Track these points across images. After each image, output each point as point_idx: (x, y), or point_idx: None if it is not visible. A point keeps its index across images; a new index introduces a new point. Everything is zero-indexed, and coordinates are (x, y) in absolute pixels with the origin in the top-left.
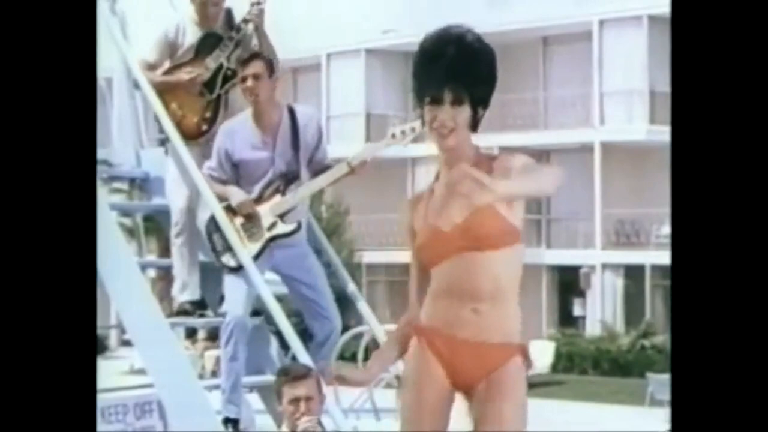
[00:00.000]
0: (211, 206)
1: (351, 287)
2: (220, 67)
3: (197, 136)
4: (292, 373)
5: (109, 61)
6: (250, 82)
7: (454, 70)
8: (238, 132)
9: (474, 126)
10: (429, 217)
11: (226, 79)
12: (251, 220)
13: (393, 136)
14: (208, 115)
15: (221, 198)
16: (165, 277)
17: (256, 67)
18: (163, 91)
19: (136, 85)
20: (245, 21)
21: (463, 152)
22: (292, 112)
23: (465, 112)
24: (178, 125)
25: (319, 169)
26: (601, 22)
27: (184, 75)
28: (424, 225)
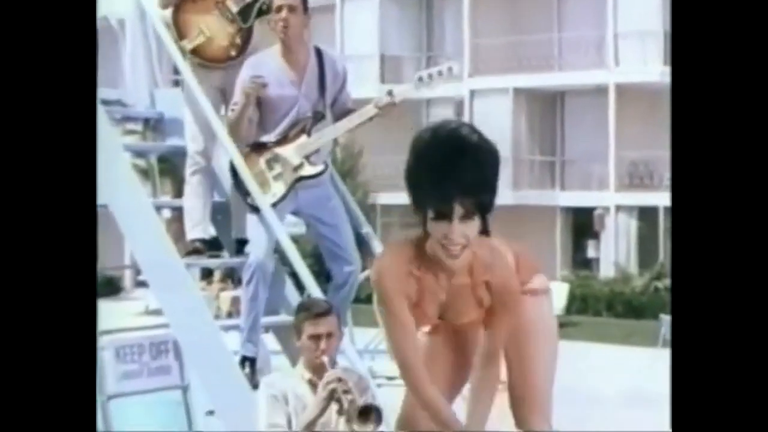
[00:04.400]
0: (228, 150)
1: (366, 229)
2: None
3: (224, 61)
4: (314, 310)
5: (122, 2)
6: (284, 13)
7: (463, 182)
8: (265, 66)
9: (482, 233)
10: (421, 305)
11: (260, 13)
12: (277, 161)
13: (420, 79)
14: (238, 41)
15: (238, 127)
16: (180, 218)
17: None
18: (191, 10)
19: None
20: None
21: (465, 262)
22: (319, 53)
23: (475, 225)
24: (203, 47)
25: (340, 112)
26: None
27: None
28: (417, 311)
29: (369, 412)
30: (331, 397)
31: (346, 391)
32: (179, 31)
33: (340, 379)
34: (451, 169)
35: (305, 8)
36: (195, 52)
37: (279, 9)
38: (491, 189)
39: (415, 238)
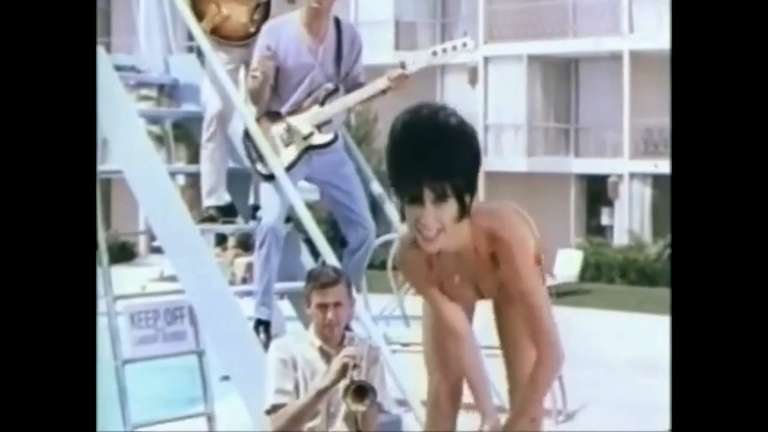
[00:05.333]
0: (243, 116)
1: (380, 194)
2: None
3: (244, 38)
4: (320, 280)
5: None
6: None
7: (433, 165)
8: (284, 32)
9: (462, 215)
10: (446, 286)
11: None
12: (288, 130)
13: (434, 53)
14: (256, 17)
15: (259, 96)
16: (194, 184)
17: None
18: None
19: None
20: None
21: (461, 236)
22: (338, 23)
23: (451, 207)
24: (223, 25)
25: (353, 84)
26: None
27: None
28: (448, 289)
29: (364, 392)
30: (344, 371)
31: (356, 366)
32: (197, 13)
33: (354, 356)
34: (421, 152)
35: None
36: (214, 31)
37: None
38: (465, 172)
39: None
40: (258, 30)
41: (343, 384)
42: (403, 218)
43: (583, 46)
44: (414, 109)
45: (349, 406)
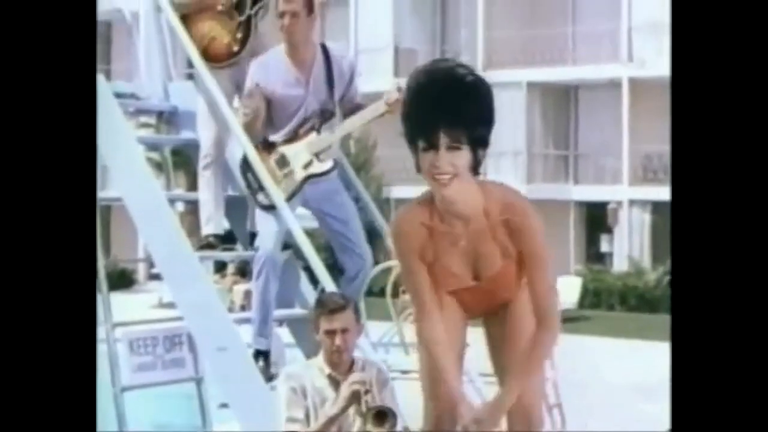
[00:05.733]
0: (243, 145)
1: (379, 222)
2: None
3: (228, 57)
4: (328, 306)
5: None
6: (287, 20)
7: (449, 112)
8: (271, 66)
9: (475, 168)
10: (443, 261)
11: (255, 1)
12: (286, 159)
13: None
14: (239, 35)
15: (250, 130)
16: (193, 211)
17: (294, 4)
18: (193, 15)
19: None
20: None
21: (473, 196)
22: (325, 50)
23: (464, 155)
24: (208, 48)
25: (350, 107)
26: None
27: None
28: (441, 269)
29: (384, 416)
30: (354, 398)
31: (367, 391)
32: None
33: (364, 382)
34: (437, 100)
35: (310, 10)
36: (201, 55)
37: (282, 15)
38: (480, 121)
39: (429, 194)
40: (241, 48)
41: (357, 410)
42: (418, 169)
43: (582, 74)
44: (432, 63)
45: (369, 428)
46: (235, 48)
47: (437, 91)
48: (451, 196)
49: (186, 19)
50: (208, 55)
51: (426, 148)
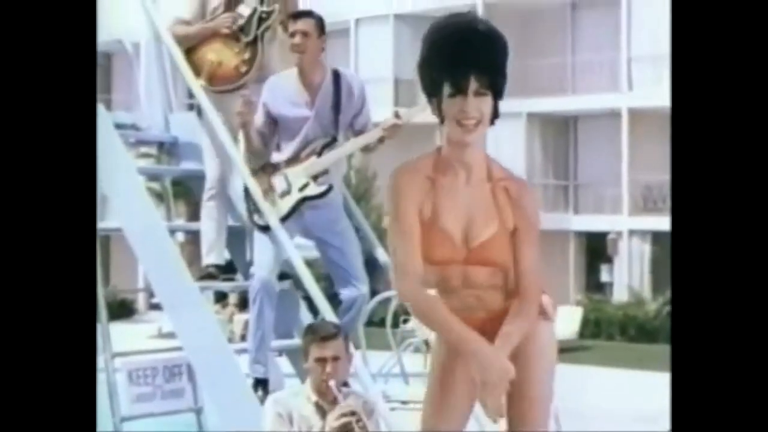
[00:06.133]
0: (239, 168)
1: (379, 252)
2: (254, 11)
3: (237, 78)
4: (320, 333)
5: (137, 26)
6: (297, 39)
7: (477, 59)
8: (280, 87)
9: (493, 119)
10: (439, 218)
11: (261, 21)
12: (284, 180)
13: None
14: (246, 56)
15: (250, 146)
16: (193, 241)
17: (306, 24)
18: (200, 43)
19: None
20: None
21: (480, 150)
22: (336, 75)
23: (489, 102)
24: (216, 74)
25: (358, 135)
26: None
27: (219, 18)
28: (434, 227)
29: None
30: (345, 428)
31: (359, 421)
32: (195, 71)
33: (353, 413)
34: (466, 47)
35: (321, 32)
36: (210, 81)
37: (293, 34)
38: (502, 71)
39: (433, 150)
40: (249, 69)
41: None
42: (441, 120)
43: (581, 104)
44: (451, 16)
45: None
46: (243, 69)
47: (467, 38)
48: (473, 139)
49: (191, 47)
50: (217, 80)
51: (453, 94)
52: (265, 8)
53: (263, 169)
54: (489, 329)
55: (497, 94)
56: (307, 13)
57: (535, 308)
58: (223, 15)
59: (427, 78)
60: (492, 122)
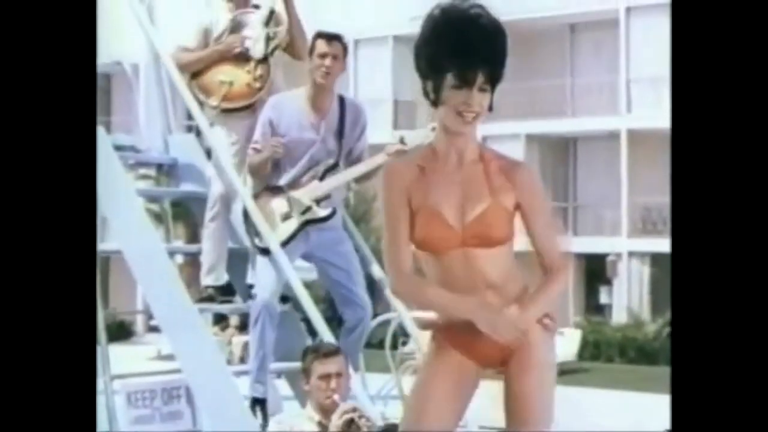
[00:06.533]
0: (240, 192)
1: (378, 274)
2: (261, 32)
3: (252, 95)
4: (322, 350)
5: (136, 47)
6: (328, 61)
7: (485, 53)
8: (287, 107)
9: (489, 108)
10: (430, 201)
11: (269, 40)
12: (287, 203)
13: (433, 129)
14: (258, 73)
15: (259, 170)
16: (192, 263)
17: (336, 48)
18: (207, 67)
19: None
20: None
21: (474, 137)
22: (342, 101)
23: (488, 96)
24: (228, 95)
25: (354, 163)
26: (628, 9)
27: (227, 41)
28: (427, 210)
29: (394, 427)
30: (348, 426)
31: (361, 417)
32: (204, 91)
33: (355, 408)
34: (475, 40)
35: (345, 56)
36: (224, 101)
37: (323, 56)
38: (503, 63)
39: (426, 145)
40: (263, 86)
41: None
42: (435, 104)
43: (581, 126)
44: (452, 3)
45: None
46: (257, 85)
47: (477, 31)
48: (469, 130)
49: (197, 72)
50: (230, 100)
51: (458, 86)
52: (272, 28)
53: (266, 191)
54: (507, 352)
55: (496, 85)
56: (338, 37)
57: (564, 278)
58: (229, 37)
59: (426, 60)
60: (488, 110)
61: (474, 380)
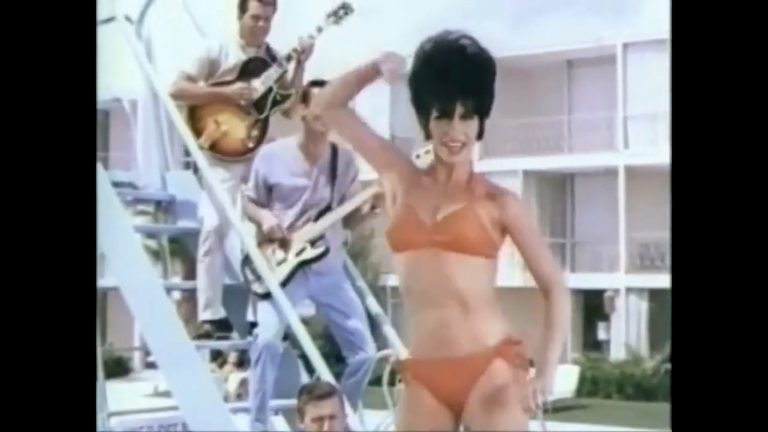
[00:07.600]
0: (240, 235)
1: (376, 310)
2: (269, 90)
3: (242, 153)
4: (316, 392)
5: (134, 84)
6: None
7: (464, 83)
8: (277, 157)
9: (479, 136)
10: (410, 198)
11: (275, 103)
12: (282, 246)
13: (417, 156)
14: (255, 133)
15: (254, 220)
16: (190, 299)
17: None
18: (206, 105)
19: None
20: (295, 51)
21: (466, 165)
22: (334, 148)
23: (474, 125)
24: (220, 141)
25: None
26: (625, 46)
27: (236, 89)
28: (403, 205)
29: None
30: None
31: None
32: (195, 129)
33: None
34: (454, 71)
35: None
36: (213, 147)
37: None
38: (488, 92)
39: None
40: (256, 146)
41: None
42: (427, 136)
43: (578, 162)
44: (440, 35)
45: None
46: (250, 145)
47: (453, 63)
48: (458, 161)
49: (199, 105)
50: (220, 149)
51: (439, 117)
52: (281, 91)
53: (266, 239)
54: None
55: (484, 114)
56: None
57: (562, 297)
58: (237, 85)
59: (416, 95)
60: (479, 139)
61: (449, 424)
